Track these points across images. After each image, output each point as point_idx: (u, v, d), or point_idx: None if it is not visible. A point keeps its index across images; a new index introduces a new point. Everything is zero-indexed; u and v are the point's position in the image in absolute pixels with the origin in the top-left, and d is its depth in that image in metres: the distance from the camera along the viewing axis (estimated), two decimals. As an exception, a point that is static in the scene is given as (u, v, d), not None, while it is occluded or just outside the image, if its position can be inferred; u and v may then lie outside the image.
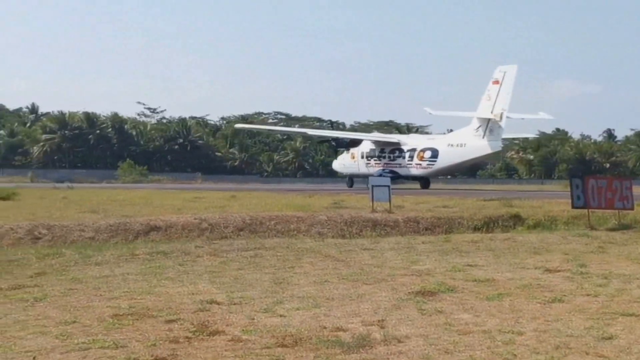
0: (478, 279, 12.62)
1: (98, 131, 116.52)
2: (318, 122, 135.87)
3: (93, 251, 16.81)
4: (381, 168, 56.08)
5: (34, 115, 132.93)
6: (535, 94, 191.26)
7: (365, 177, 53.95)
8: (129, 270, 13.97)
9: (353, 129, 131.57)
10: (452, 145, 53.73)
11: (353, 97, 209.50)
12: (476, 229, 24.14)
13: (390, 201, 25.95)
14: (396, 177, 53.59)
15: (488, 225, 24.64)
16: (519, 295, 11.16)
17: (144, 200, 31.72)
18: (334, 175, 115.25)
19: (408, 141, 57.59)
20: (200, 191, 45.26)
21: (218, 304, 10.42)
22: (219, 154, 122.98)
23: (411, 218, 24.56)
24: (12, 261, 15.38)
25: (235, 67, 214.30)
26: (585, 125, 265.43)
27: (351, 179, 60.25)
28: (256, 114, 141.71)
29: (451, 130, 67.56)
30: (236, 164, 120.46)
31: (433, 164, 54.32)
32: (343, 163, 60.83)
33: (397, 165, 55.78)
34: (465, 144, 52.50)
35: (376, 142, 58.42)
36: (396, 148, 56.75)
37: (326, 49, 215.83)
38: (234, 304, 10.43)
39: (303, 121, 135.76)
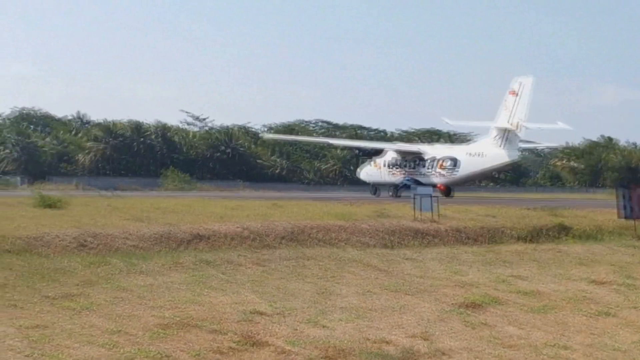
0: (523, 291, 12.52)
1: (143, 139, 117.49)
2: (360, 130, 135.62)
3: (138, 260, 16.95)
4: (404, 176, 57.50)
5: (80, 123, 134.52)
6: (577, 100, 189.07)
7: (388, 185, 57.55)
8: (173, 279, 14.08)
9: (394, 136, 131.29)
10: (471, 154, 54.98)
11: (396, 104, 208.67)
12: (520, 238, 23.93)
13: (433, 210, 25.82)
14: (418, 185, 52.62)
15: (532, 235, 24.42)
16: (564, 307, 11.05)
17: (187, 208, 31.86)
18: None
19: (429, 150, 58.91)
20: (242, 199, 45.44)
21: (261, 314, 10.46)
22: (262, 161, 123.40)
23: (455, 227, 24.41)
24: (59, 269, 15.57)
25: (279, 74, 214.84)
26: (632, 132, 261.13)
27: (375, 187, 60.72)
28: (298, 121, 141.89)
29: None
30: (278, 171, 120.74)
31: (454, 173, 55.42)
32: (367, 172, 61.84)
33: (419, 174, 56.87)
34: (484, 153, 53.73)
35: (399, 152, 59.61)
36: (418, 157, 58.01)
37: (369, 56, 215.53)
38: (278, 314, 10.46)
39: (346, 129, 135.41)
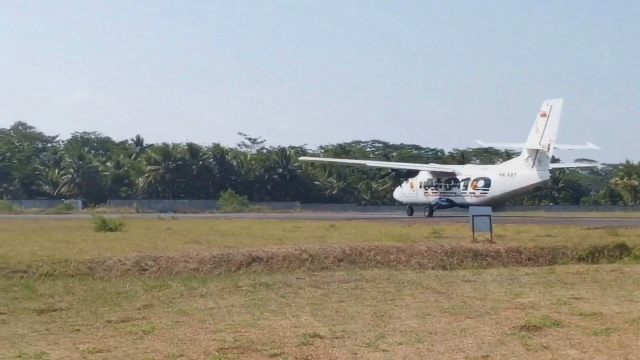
0: (584, 313, 12.32)
1: (200, 162, 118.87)
2: (417, 150, 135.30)
3: (198, 283, 17.13)
4: (438, 197, 59.51)
5: (139, 147, 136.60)
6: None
7: (423, 205, 60.10)
8: (232, 303, 14.19)
9: (452, 156, 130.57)
10: (503, 174, 56.46)
11: (452, 124, 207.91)
12: (580, 259, 23.61)
13: (491, 231, 25.62)
14: (452, 205, 58.28)
15: (593, 255, 24.08)
16: (627, 330, 10.85)
17: (245, 231, 32.16)
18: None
19: (463, 171, 60.59)
20: (299, 220, 45.63)
21: (321, 337, 10.48)
22: (318, 182, 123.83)
23: (513, 248, 24.18)
24: (120, 293, 15.82)
25: (334, 96, 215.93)
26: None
27: (411, 208, 62.75)
28: (354, 142, 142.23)
29: (557, 160, 68.79)
30: (334, 192, 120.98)
31: (486, 193, 56.66)
32: (403, 192, 64.01)
33: (453, 194, 58.65)
34: (515, 173, 55.07)
35: (433, 172, 61.54)
36: (451, 178, 59.75)
37: (424, 76, 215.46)
38: (337, 337, 10.47)
39: (401, 149, 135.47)
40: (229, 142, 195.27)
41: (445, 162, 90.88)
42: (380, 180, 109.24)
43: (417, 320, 11.79)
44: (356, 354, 9.43)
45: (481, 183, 57.28)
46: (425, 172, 62.28)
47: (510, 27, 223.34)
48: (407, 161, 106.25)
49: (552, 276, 18.11)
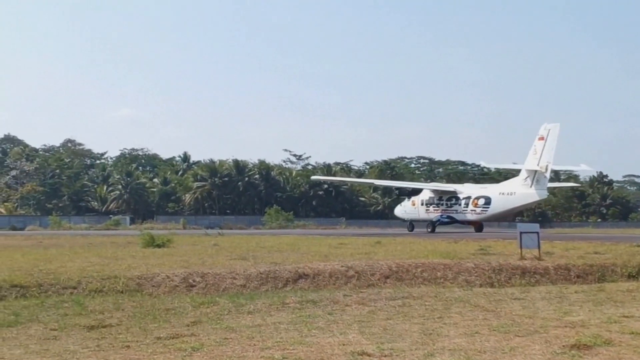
0: (635, 332, 12.14)
1: (246, 178, 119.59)
2: (462, 167, 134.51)
3: (245, 299, 17.20)
4: (440, 214, 63.25)
5: (186, 163, 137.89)
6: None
7: (425, 221, 64.19)
8: (280, 320, 14.23)
9: (497, 172, 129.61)
10: (503, 193, 60.53)
11: (496, 139, 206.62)
12: (630, 276, 23.21)
13: (539, 248, 25.35)
14: (453, 222, 62.47)
15: (644, 272, 23.64)
16: (680, 349, 10.67)
17: (290, 247, 32.21)
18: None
19: (463, 190, 64.50)
20: (344, 237, 45.59)
21: (369, 355, 10.45)
22: (363, 198, 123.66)
23: (562, 265, 23.84)
24: (169, 309, 15.95)
25: (379, 112, 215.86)
26: None
27: (412, 224, 66.33)
28: (399, 158, 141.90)
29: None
30: (379, 208, 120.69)
31: (487, 210, 60.85)
32: (404, 210, 67.87)
33: (454, 212, 62.46)
34: (515, 192, 59.12)
35: (434, 191, 65.45)
36: (453, 196, 63.59)
37: (468, 90, 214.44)
38: (385, 355, 10.44)
39: (446, 165, 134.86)
40: (275, 158, 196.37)
41: (493, 179, 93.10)
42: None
43: (465, 339, 11.71)
44: (405, 372, 9.40)
45: (482, 201, 61.14)
46: (427, 190, 66.30)
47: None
48: (451, 177, 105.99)
49: (602, 294, 17.87)
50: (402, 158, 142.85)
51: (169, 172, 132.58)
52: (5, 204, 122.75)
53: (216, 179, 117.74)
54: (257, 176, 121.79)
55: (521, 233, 26.02)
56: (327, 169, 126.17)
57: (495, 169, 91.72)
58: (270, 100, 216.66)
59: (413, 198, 66.26)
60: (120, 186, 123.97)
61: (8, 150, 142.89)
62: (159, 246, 32.38)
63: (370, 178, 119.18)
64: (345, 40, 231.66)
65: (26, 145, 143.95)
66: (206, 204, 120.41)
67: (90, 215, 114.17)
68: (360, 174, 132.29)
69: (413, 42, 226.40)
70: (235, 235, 51.91)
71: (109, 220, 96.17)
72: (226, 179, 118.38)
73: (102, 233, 63.02)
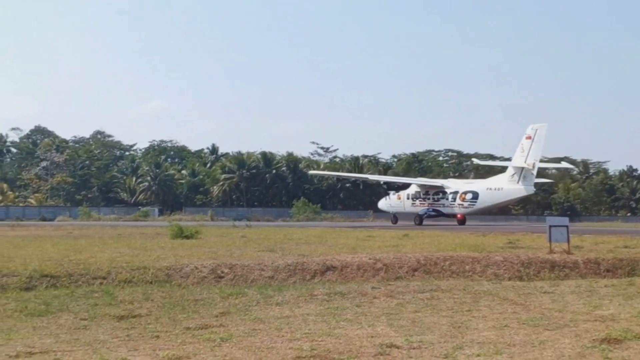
0: (666, 326, 12.03)
1: (274, 170, 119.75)
2: (492, 159, 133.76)
3: (273, 291, 17.26)
4: (426, 207, 66.45)
5: (214, 155, 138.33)
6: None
7: (410, 214, 67.06)
8: (308, 311, 14.26)
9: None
10: (490, 188, 64.11)
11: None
12: (662, 271, 22.97)
13: (569, 242, 25.16)
14: (440, 215, 65.68)
15: (675, 267, 23.40)
16: None
17: (318, 239, 32.23)
18: (507, 213, 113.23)
19: (451, 185, 68.01)
20: (372, 229, 45.56)
21: (397, 347, 10.44)
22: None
23: (591, 259, 23.64)
24: (197, 300, 16.04)
25: (408, 105, 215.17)
26: None
27: (395, 217, 69.10)
28: (427, 151, 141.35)
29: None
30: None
31: (474, 204, 64.40)
32: (390, 203, 70.97)
33: (441, 205, 65.82)
34: (502, 188, 62.82)
35: (421, 186, 68.73)
36: (440, 191, 66.95)
37: (497, 83, 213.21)
38: (413, 348, 10.42)
39: (475, 158, 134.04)
40: (302, 151, 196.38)
41: None
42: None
43: (494, 332, 11.66)
44: (433, 365, 9.37)
45: (469, 196, 64.75)
46: (414, 185, 69.64)
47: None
48: (480, 170, 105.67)
49: (632, 288, 17.72)
50: (430, 151, 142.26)
51: (197, 164, 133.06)
52: (36, 195, 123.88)
53: (244, 171, 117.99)
54: (284, 168, 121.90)
55: (550, 227, 25.83)
56: (355, 162, 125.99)
57: (486, 165, 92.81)
58: (298, 93, 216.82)
59: (399, 192, 69.50)
60: (149, 178, 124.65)
61: (38, 141, 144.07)
62: (187, 237, 32.54)
63: (400, 171, 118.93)
64: (374, 35, 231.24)
65: (56, 137, 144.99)
66: (234, 196, 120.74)
67: (119, 206, 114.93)
68: (387, 167, 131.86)
69: (443, 36, 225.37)
70: (262, 227, 52.05)
71: (137, 212, 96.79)
72: (254, 171, 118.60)
73: (131, 224, 63.44)
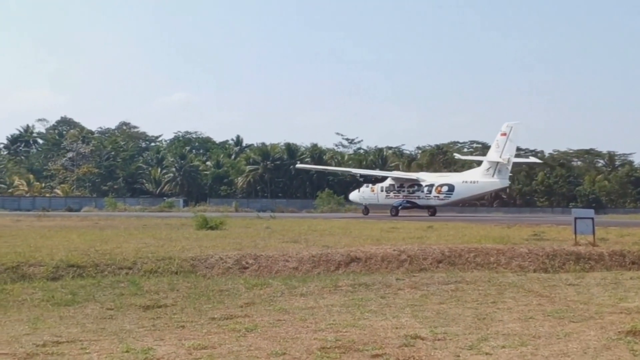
0: (693, 318, 11.93)
1: (298, 162, 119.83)
2: (516, 151, 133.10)
3: (297, 282, 17.31)
4: (401, 199, 69.09)
5: (238, 147, 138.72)
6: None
7: (383, 206, 69.73)
8: (333, 302, 14.29)
9: (552, 157, 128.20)
10: (466, 181, 67.49)
11: (552, 124, 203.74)
12: (690, 263, 22.78)
13: (594, 234, 25.02)
14: (414, 206, 68.64)
15: (702, 259, 23.20)
16: None
17: (342, 231, 32.27)
18: (532, 205, 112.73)
19: (426, 178, 71.04)
20: (396, 221, 45.52)
21: (422, 339, 10.45)
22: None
23: (617, 251, 23.50)
24: (222, 291, 16.13)
25: (433, 97, 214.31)
26: None
27: (367, 208, 71.64)
28: (451, 143, 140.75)
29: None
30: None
31: (450, 196, 67.69)
32: (362, 195, 72.90)
33: (416, 197, 68.76)
34: (478, 181, 66.44)
35: (396, 179, 71.54)
36: (415, 183, 69.85)
37: (523, 75, 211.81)
38: (438, 339, 10.42)
39: (457, 153, 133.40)
40: (327, 142, 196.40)
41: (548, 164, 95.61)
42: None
43: (519, 324, 11.64)
44: (458, 356, 9.36)
45: (445, 188, 67.83)
46: (389, 178, 72.23)
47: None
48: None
49: (659, 281, 17.60)
50: (455, 143, 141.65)
51: (221, 155, 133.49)
52: (62, 185, 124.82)
53: (268, 163, 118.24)
54: (308, 160, 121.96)
55: (576, 219, 25.70)
56: (379, 153, 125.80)
57: (466, 159, 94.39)
58: (323, 84, 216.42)
59: (372, 185, 71.65)
60: (174, 169, 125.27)
61: (64, 132, 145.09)
62: (212, 228, 32.70)
63: (424, 163, 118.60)
64: (399, 26, 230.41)
65: (82, 128, 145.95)
66: (258, 187, 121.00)
67: (145, 197, 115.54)
68: (412, 158, 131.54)
69: (469, 27, 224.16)
70: (287, 218, 52.16)
71: (163, 202, 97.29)
72: (278, 162, 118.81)
73: (156, 215, 63.80)
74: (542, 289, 16.08)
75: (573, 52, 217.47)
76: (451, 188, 67.58)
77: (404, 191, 69.58)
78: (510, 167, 66.55)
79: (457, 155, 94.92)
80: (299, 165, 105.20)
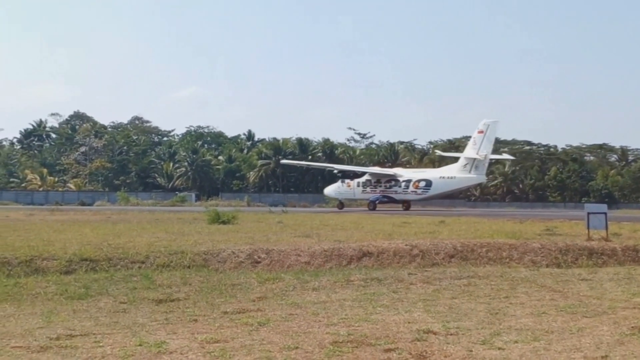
0: None
1: (310, 156, 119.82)
2: (529, 146, 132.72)
3: (310, 276, 17.33)
4: (378, 194, 70.78)
5: (250, 141, 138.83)
6: None
7: (359, 201, 73.15)
8: (344, 297, 14.30)
9: (565, 152, 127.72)
10: (443, 177, 69.39)
11: (565, 118, 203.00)
12: (701, 258, 22.67)
13: (607, 229, 24.94)
14: (390, 201, 70.46)
15: None
16: None
17: (354, 225, 32.24)
18: (544, 200, 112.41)
19: (404, 174, 72.99)
20: (408, 216, 45.48)
21: (434, 333, 10.45)
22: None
23: (630, 247, 23.41)
24: (235, 285, 16.15)
25: (445, 91, 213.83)
26: None
27: (341, 203, 74.00)
28: (464, 138, 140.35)
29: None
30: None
31: (427, 191, 69.59)
32: (338, 190, 74.55)
33: (393, 192, 70.58)
34: (455, 177, 68.40)
35: (373, 174, 73.03)
36: (392, 179, 71.50)
37: (535, 69, 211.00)
38: (451, 334, 10.43)
39: (512, 145, 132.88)
40: (339, 137, 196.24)
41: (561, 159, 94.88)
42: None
43: (532, 319, 11.63)
44: (471, 351, 9.36)
45: (423, 183, 69.71)
46: (367, 174, 73.63)
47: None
48: (517, 157, 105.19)
49: (673, 276, 17.53)
50: (467, 137, 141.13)
51: (233, 150, 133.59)
52: (75, 179, 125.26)
53: (280, 157, 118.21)
54: (320, 154, 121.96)
55: (589, 214, 25.62)
56: (391, 148, 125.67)
57: (448, 155, 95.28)
58: (335, 79, 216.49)
59: (348, 180, 73.34)
60: (186, 163, 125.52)
61: (77, 127, 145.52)
62: (224, 223, 32.72)
63: (436, 158, 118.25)
64: (411, 20, 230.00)
65: (95, 122, 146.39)
66: (270, 182, 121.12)
67: (157, 191, 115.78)
68: (424, 153, 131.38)
69: (481, 22, 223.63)
70: (298, 213, 52.19)
71: (175, 197, 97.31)
72: (290, 157, 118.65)
73: (169, 209, 63.91)
74: (554, 284, 16.05)
75: (586, 46, 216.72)
76: (429, 183, 69.53)
77: (381, 186, 71.34)
78: (487, 164, 69.05)
79: (438, 152, 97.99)
80: (283, 161, 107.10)
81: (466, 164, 67.89)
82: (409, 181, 70.61)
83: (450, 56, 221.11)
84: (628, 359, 8.91)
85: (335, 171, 78.59)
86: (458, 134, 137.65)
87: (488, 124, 66.99)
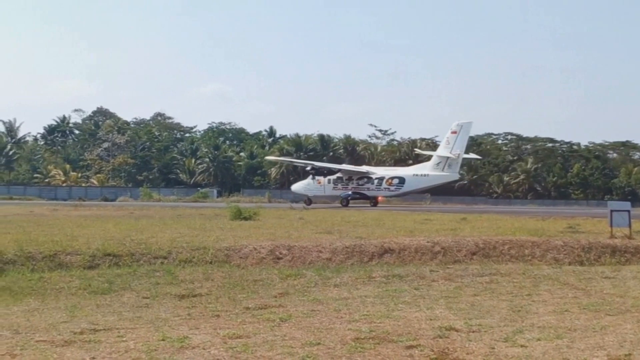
0: None
1: (331, 153, 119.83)
2: (551, 143, 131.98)
3: (331, 273, 17.35)
4: (349, 191, 71.96)
5: (271, 138, 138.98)
6: None
7: (329, 198, 73.34)
8: (366, 293, 14.32)
9: (587, 149, 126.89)
10: (417, 175, 71.53)
11: (588, 116, 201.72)
12: None
13: (630, 226, 24.77)
14: (362, 197, 71.82)
15: None
16: None
17: (375, 222, 32.23)
18: (566, 197, 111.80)
19: (377, 171, 74.85)
20: (429, 213, 45.39)
21: (457, 330, 10.44)
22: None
23: (654, 245, 23.25)
24: (257, 281, 16.21)
25: (467, 88, 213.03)
26: None
27: (309, 199, 73.42)
28: (486, 134, 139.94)
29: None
30: (465, 183, 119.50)
31: (400, 188, 71.65)
32: (307, 187, 75.09)
33: (366, 189, 72.01)
34: (428, 174, 70.65)
35: (345, 171, 74.60)
36: (364, 176, 73.06)
37: (559, 65, 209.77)
38: (473, 331, 10.41)
39: (535, 142, 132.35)
40: (360, 133, 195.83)
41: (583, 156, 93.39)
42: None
43: (555, 316, 11.58)
44: (493, 348, 9.35)
45: (396, 181, 71.47)
46: (340, 172, 74.81)
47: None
48: (539, 154, 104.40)
49: (697, 275, 17.39)
50: (490, 134, 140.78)
51: (255, 146, 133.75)
52: (98, 175, 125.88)
53: (301, 154, 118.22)
54: (342, 151, 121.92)
55: (612, 211, 25.47)
56: (413, 145, 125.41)
57: (424, 154, 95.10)
58: (356, 75, 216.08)
59: (318, 177, 73.79)
60: (207, 159, 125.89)
61: (100, 123, 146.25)
62: (246, 219, 32.80)
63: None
64: (434, 16, 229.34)
65: (118, 119, 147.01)
66: (292, 178, 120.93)
67: (179, 187, 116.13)
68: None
69: (500, 18, 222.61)
70: (320, 209, 52.21)
71: (197, 193, 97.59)
72: (311, 153, 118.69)
73: (191, 205, 64.18)
74: (577, 282, 15.98)
75: (610, 43, 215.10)
76: (402, 180, 71.45)
77: (352, 183, 72.79)
78: (460, 162, 71.71)
79: (417, 150, 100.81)
80: (267, 157, 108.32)
81: (439, 162, 70.16)
82: (382, 178, 72.31)
83: (473, 51, 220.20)
84: (651, 357, 8.85)
85: (308, 167, 78.86)
86: (480, 131, 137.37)
87: (461, 125, 69.84)
